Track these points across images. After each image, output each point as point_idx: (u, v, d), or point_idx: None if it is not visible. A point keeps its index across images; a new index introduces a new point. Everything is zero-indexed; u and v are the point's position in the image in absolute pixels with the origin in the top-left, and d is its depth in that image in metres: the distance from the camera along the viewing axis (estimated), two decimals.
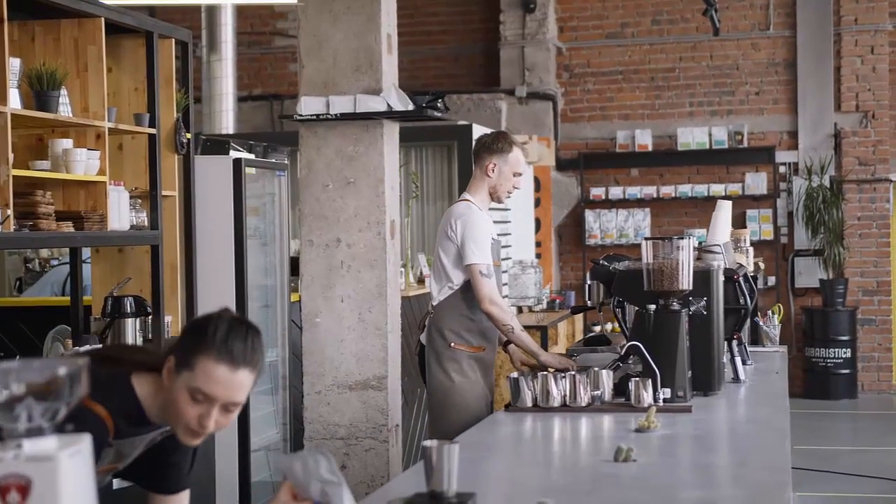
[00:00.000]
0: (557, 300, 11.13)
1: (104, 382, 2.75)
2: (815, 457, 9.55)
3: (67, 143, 5.28)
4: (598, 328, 10.47)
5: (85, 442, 1.88)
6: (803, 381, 12.88)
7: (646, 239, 4.67)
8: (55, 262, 8.57)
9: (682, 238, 4.63)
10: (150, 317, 5.81)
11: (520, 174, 5.51)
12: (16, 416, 1.87)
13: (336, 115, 5.76)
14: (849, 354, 12.68)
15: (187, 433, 2.78)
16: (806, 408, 12.17)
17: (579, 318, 11.37)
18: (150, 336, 5.83)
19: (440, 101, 6.05)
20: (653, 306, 4.60)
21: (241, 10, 13.08)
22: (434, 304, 5.50)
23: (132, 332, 5.62)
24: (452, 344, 5.40)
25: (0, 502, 1.82)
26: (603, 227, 13.36)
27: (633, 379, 4.43)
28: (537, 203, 12.75)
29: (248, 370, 2.72)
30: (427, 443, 2.88)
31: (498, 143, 5.50)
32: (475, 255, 5.29)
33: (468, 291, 5.35)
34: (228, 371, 2.69)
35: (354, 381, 5.80)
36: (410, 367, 6.48)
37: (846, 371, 12.70)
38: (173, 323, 6.08)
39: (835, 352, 12.65)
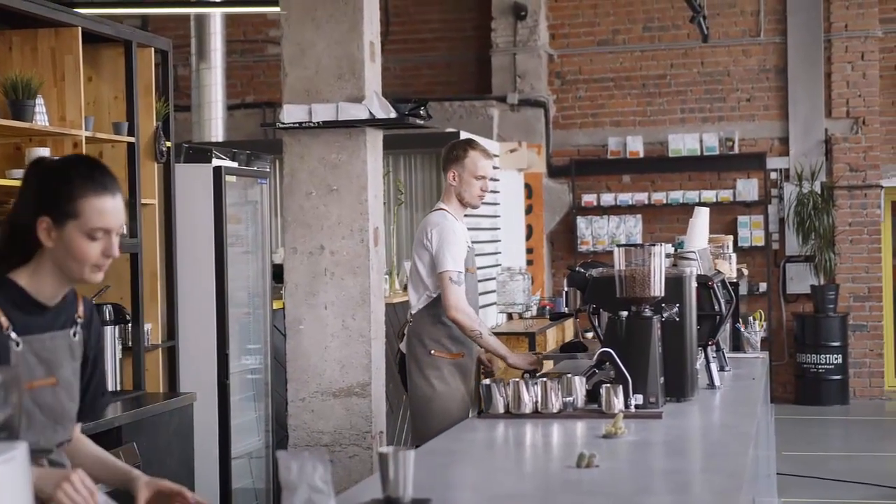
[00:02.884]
0: (548, 307, 11.11)
1: None
2: (806, 462, 9.56)
3: (44, 151, 5.30)
4: (590, 335, 10.44)
5: (20, 449, 1.90)
6: (795, 387, 12.90)
7: (618, 246, 4.69)
8: None
9: (654, 245, 4.64)
10: (129, 325, 5.82)
11: (482, 177, 5.53)
12: None
13: (319, 122, 5.78)
14: (840, 360, 12.68)
15: (94, 271, 2.90)
16: (797, 414, 12.19)
17: (570, 324, 11.37)
18: (129, 344, 5.85)
19: (423, 108, 6.06)
20: (625, 313, 4.61)
21: (233, 19, 13.12)
22: (413, 312, 5.54)
23: (111, 340, 5.63)
24: (433, 351, 5.44)
25: None
26: (595, 233, 13.37)
27: (604, 385, 4.44)
28: (529, 210, 12.77)
29: (119, 195, 2.92)
30: (382, 449, 2.90)
31: (453, 151, 5.56)
32: (448, 262, 5.33)
33: None
34: (111, 200, 2.87)
35: (338, 388, 5.80)
36: (395, 374, 6.49)
37: (837, 377, 12.70)
38: (153, 331, 6.10)
39: (826, 358, 12.65)
